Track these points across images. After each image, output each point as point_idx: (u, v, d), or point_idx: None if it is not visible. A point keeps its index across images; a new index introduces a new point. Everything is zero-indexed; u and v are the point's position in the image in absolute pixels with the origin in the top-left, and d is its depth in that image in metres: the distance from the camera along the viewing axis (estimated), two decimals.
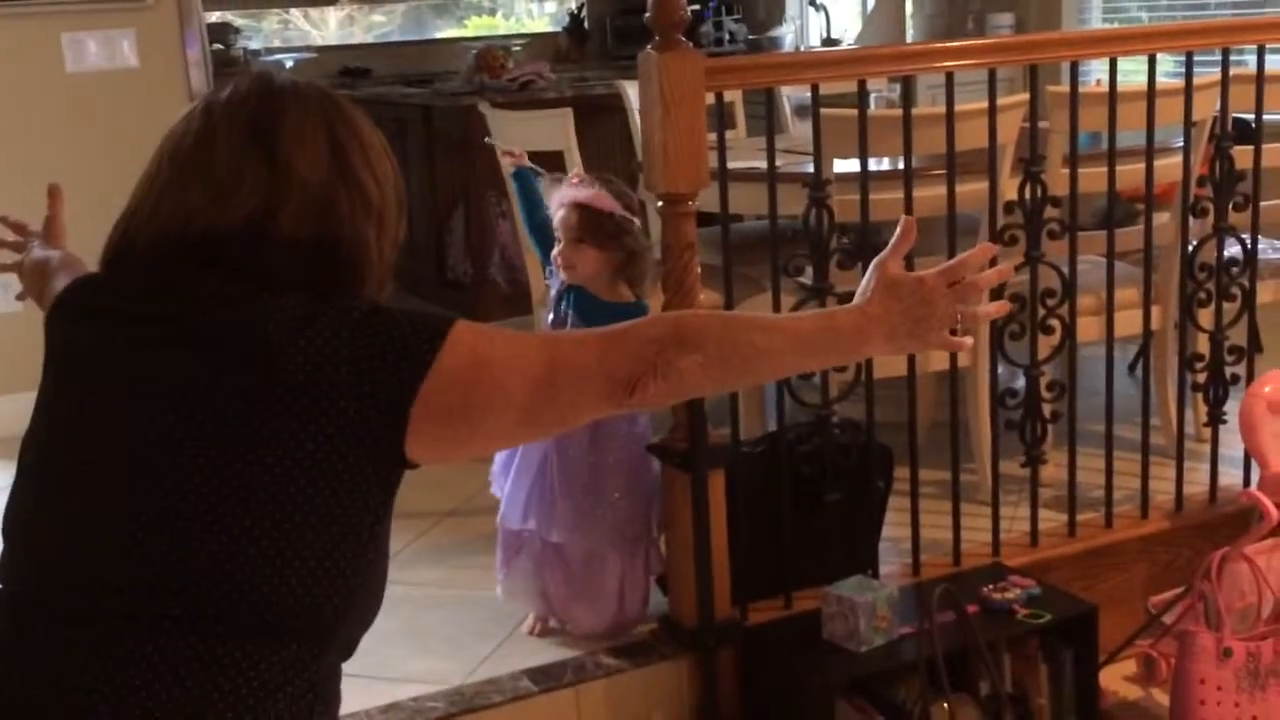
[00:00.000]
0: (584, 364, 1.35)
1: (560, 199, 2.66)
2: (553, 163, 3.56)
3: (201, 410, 1.27)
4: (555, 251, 2.66)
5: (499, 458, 2.76)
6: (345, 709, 2.45)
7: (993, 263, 1.57)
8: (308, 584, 1.28)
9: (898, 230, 1.52)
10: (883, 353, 1.49)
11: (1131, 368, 4.12)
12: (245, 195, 1.32)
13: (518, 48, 7.77)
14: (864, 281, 1.48)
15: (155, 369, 1.30)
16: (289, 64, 7.89)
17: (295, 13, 8.43)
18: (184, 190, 1.33)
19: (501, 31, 8.75)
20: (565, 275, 2.66)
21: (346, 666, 2.60)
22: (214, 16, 7.61)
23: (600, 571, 2.67)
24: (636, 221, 2.69)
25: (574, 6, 8.59)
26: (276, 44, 8.27)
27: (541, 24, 8.96)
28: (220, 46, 7.34)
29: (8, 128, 4.08)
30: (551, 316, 2.75)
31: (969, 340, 1.54)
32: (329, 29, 8.62)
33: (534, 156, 3.78)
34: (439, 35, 8.67)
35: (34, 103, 4.10)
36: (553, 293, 2.76)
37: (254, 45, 7.94)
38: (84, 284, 1.44)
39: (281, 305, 1.29)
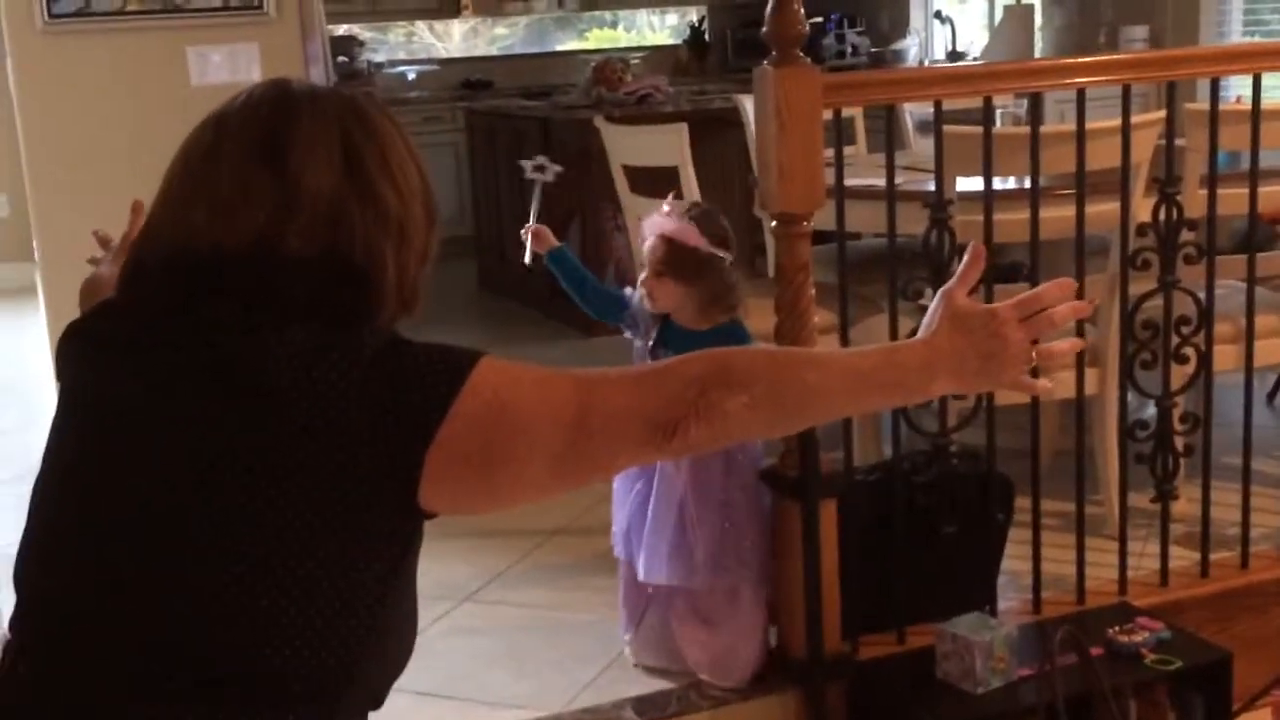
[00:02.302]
0: (619, 407, 1.24)
1: (650, 227, 2.57)
2: (667, 179, 3.51)
3: (204, 457, 1.19)
4: (640, 279, 2.58)
5: (618, 518, 2.66)
6: None
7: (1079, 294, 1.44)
8: (316, 647, 1.19)
9: (965, 256, 1.40)
10: (949, 390, 1.38)
11: (1270, 398, 3.93)
12: (252, 211, 1.23)
13: (637, 60, 7.75)
14: (928, 314, 1.37)
15: (160, 407, 1.23)
16: (411, 75, 7.97)
17: (420, 25, 8.53)
18: (191, 206, 1.25)
19: (622, 44, 8.75)
20: (648, 304, 2.59)
21: (447, 689, 2.59)
22: (340, 30, 7.73)
23: (737, 609, 2.57)
24: (726, 255, 2.55)
25: (695, 19, 8.55)
26: (401, 56, 8.36)
27: (662, 37, 8.93)
28: (345, 59, 7.43)
29: (132, 140, 4.15)
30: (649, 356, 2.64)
31: (1048, 383, 1.43)
32: (453, 41, 8.70)
33: (648, 172, 3.74)
34: (560, 48, 8.69)
35: (158, 115, 4.16)
36: (637, 344, 2.67)
37: (378, 58, 8.03)
38: (97, 311, 1.37)
39: (290, 338, 1.20)
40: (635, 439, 1.25)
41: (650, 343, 2.61)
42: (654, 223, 2.56)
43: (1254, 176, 2.78)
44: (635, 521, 2.60)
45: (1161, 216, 2.67)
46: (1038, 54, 6.61)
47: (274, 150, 1.23)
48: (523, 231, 2.78)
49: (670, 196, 2.72)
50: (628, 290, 2.69)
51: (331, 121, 1.26)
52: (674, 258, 2.52)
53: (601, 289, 2.77)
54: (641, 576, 2.60)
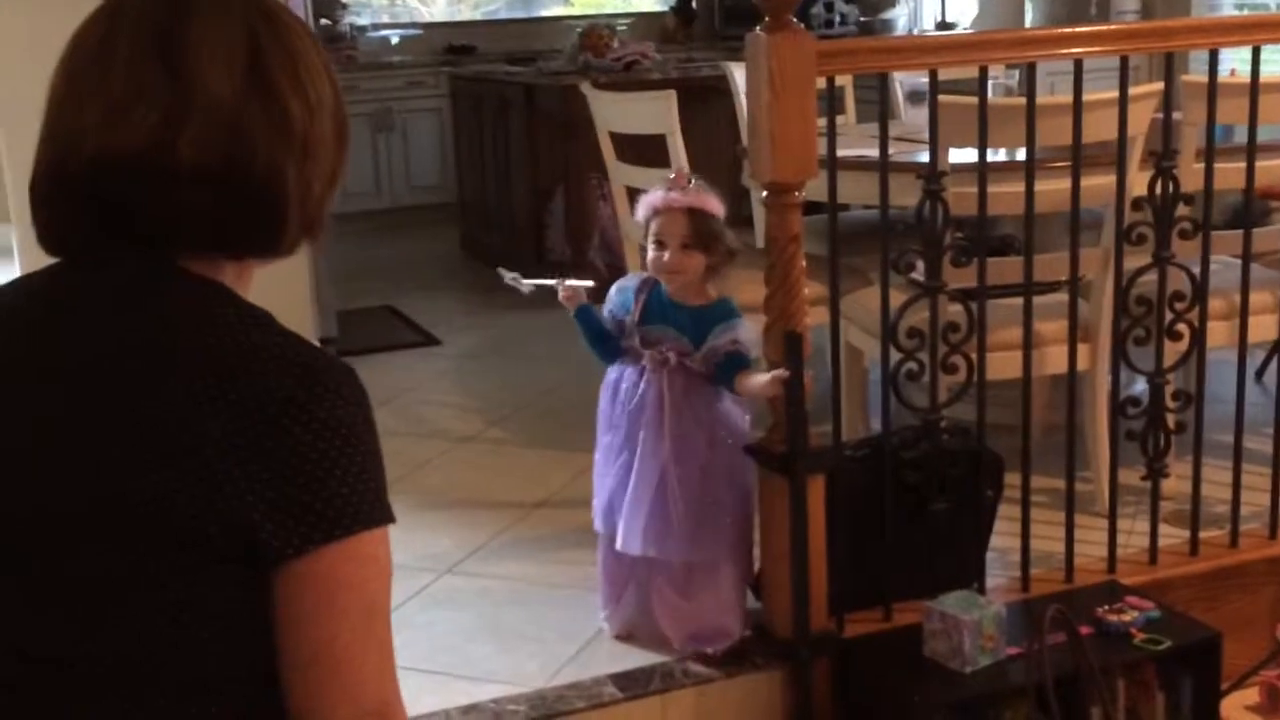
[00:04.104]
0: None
1: (665, 200, 2.51)
2: (654, 147, 3.45)
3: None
4: (657, 257, 2.51)
5: (600, 492, 2.61)
6: (425, 706, 2.41)
7: None
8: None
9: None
10: None
11: (1259, 374, 3.90)
12: (144, 113, 1.09)
13: (623, 26, 7.67)
14: None
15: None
16: (395, 40, 7.88)
17: None
18: (81, 106, 1.11)
19: (608, 10, 8.65)
20: (666, 280, 2.53)
21: (427, 663, 2.55)
22: None
23: (717, 584, 2.54)
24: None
25: None
26: (384, 19, 8.25)
27: (649, 3, 8.83)
28: (327, 22, 7.33)
29: None
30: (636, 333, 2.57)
31: None
32: (437, 5, 8.58)
33: (635, 139, 3.68)
34: (545, 13, 8.60)
35: None
36: (610, 311, 2.59)
37: (361, 21, 7.93)
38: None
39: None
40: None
41: (636, 318, 2.56)
42: (670, 197, 2.50)
43: (1251, 151, 2.74)
44: (618, 494, 2.57)
45: (1157, 190, 2.63)
46: (1027, 25, 6.55)
47: (170, 45, 1.11)
48: (556, 284, 2.66)
49: (676, 170, 2.65)
50: (612, 297, 2.62)
51: (237, 19, 1.13)
52: (701, 229, 2.49)
53: (612, 337, 2.64)
54: (619, 546, 2.57)
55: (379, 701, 1.12)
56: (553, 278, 2.68)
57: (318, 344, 1.17)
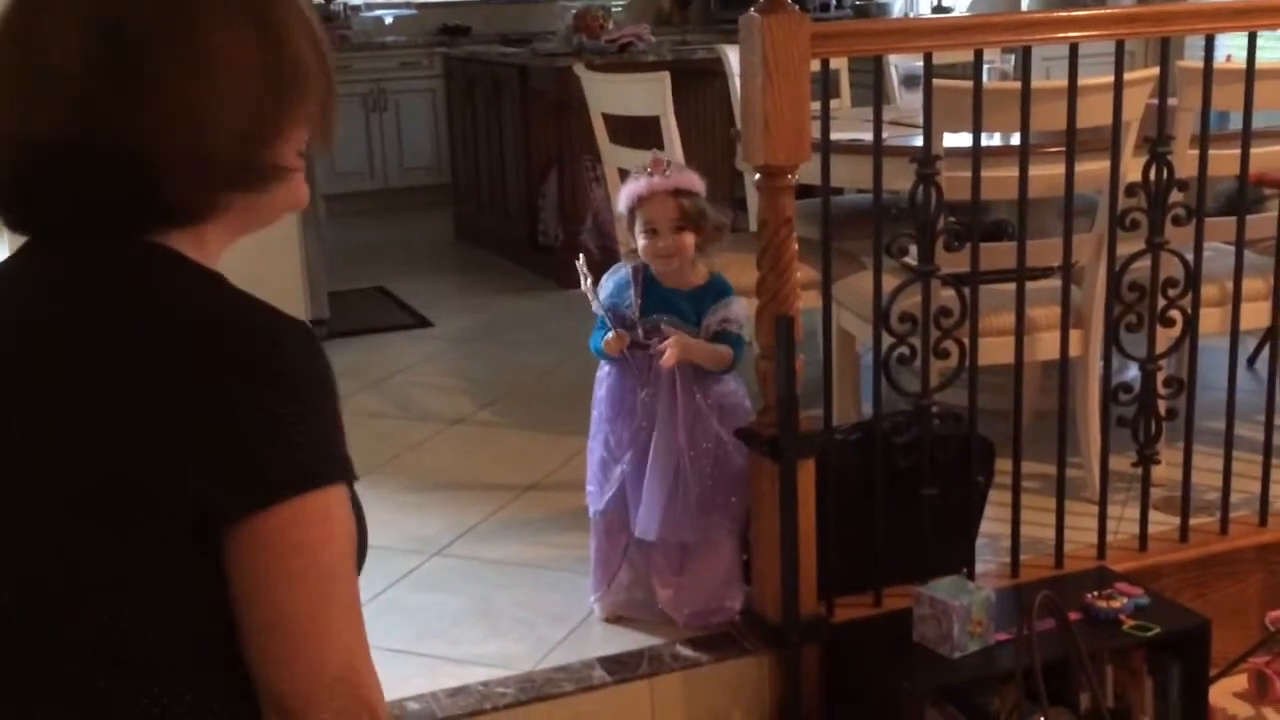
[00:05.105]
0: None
1: (649, 186, 2.50)
2: (648, 129, 3.44)
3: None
4: (650, 244, 2.51)
5: (612, 481, 2.59)
6: (412, 689, 2.41)
7: None
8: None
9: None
10: None
11: (1251, 361, 3.90)
12: (7, 100, 1.08)
13: (618, 8, 7.64)
14: None
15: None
16: (389, 20, 7.84)
17: None
18: (17, 76, 1.08)
19: None
20: (664, 264, 2.53)
21: (415, 645, 2.55)
22: None
23: (718, 560, 2.57)
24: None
25: None
26: None
27: None
28: (320, 1, 7.30)
29: None
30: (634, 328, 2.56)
31: None
32: None
33: (629, 121, 3.67)
34: None
35: None
36: (600, 306, 2.58)
37: (355, 1, 7.89)
38: None
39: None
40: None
41: (636, 313, 2.55)
42: (653, 183, 2.50)
43: (1246, 137, 2.74)
44: (632, 482, 2.56)
45: (1151, 176, 2.62)
46: (1023, 9, 6.53)
47: (18, 30, 1.09)
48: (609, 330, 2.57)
49: (652, 154, 2.65)
50: (606, 290, 2.62)
51: None
52: (692, 209, 2.51)
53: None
54: (639, 533, 2.56)
55: (343, 666, 1.09)
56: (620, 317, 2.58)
57: (303, 319, 1.14)
